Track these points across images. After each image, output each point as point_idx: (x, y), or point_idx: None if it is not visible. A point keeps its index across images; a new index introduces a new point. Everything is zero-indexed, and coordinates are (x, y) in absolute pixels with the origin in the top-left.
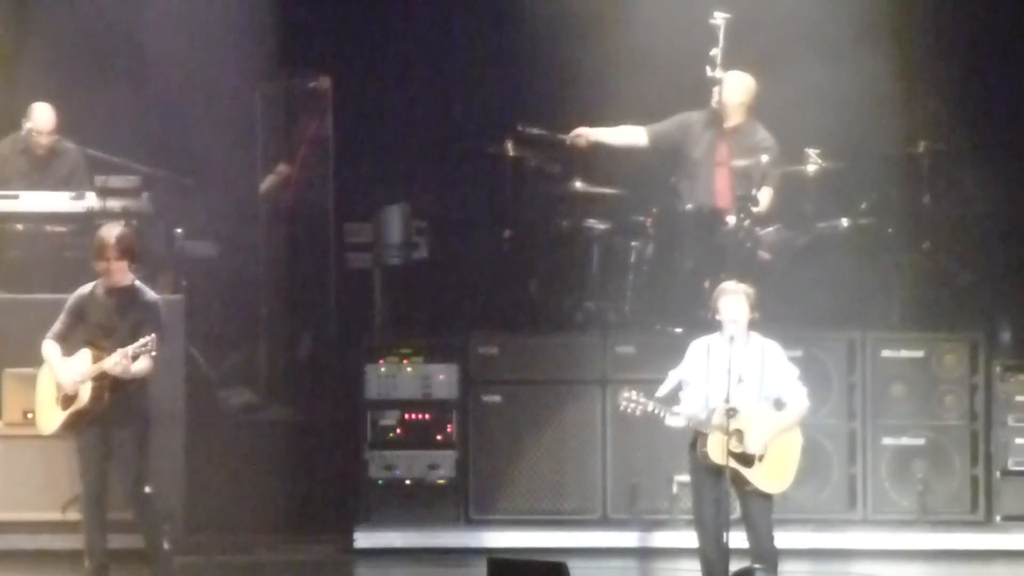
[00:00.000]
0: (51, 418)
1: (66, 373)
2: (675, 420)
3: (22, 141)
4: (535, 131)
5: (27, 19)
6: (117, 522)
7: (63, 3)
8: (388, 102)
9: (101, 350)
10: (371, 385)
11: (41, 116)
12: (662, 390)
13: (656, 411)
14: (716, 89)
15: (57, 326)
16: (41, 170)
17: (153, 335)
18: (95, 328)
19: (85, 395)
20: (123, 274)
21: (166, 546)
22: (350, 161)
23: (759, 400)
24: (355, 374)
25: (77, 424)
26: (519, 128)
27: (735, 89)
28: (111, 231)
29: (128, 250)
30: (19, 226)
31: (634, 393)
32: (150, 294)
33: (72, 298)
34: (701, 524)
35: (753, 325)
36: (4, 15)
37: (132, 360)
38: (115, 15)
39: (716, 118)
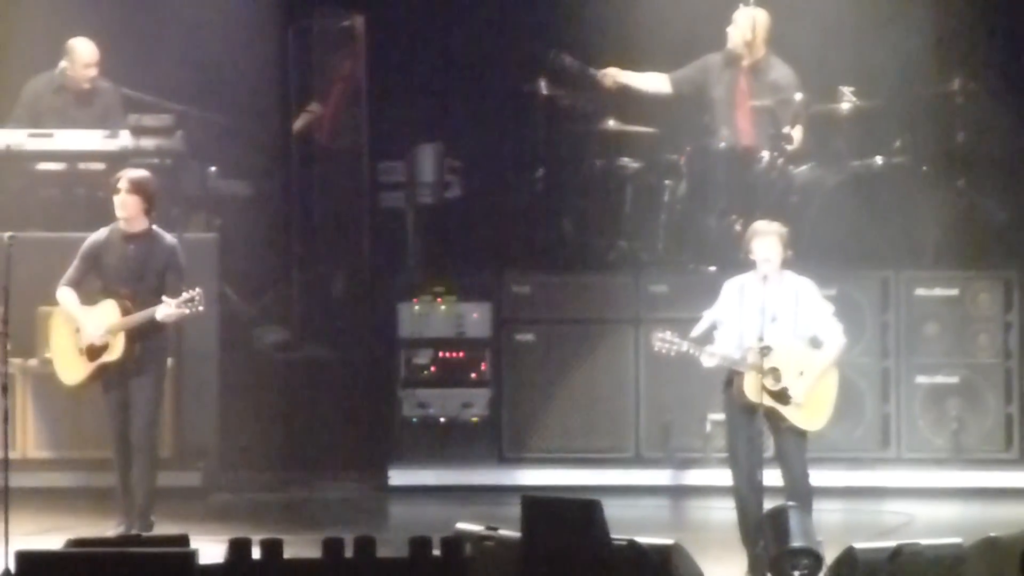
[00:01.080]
0: (75, 369)
1: (91, 323)
2: (709, 360)
3: (57, 79)
4: (567, 59)
5: None
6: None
7: None
8: (421, 41)
9: (124, 299)
10: (404, 324)
11: (84, 49)
12: (696, 330)
13: (690, 351)
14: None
15: (71, 272)
16: (77, 108)
17: (199, 289)
18: (115, 276)
19: (118, 347)
20: (139, 218)
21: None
22: (383, 100)
23: (794, 338)
24: (388, 313)
25: (104, 375)
26: (552, 54)
27: (741, 27)
28: (130, 169)
29: (142, 188)
30: (53, 165)
31: (668, 334)
32: (169, 238)
33: (86, 243)
34: (735, 462)
35: (787, 264)
36: None
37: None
38: None
39: (734, 57)
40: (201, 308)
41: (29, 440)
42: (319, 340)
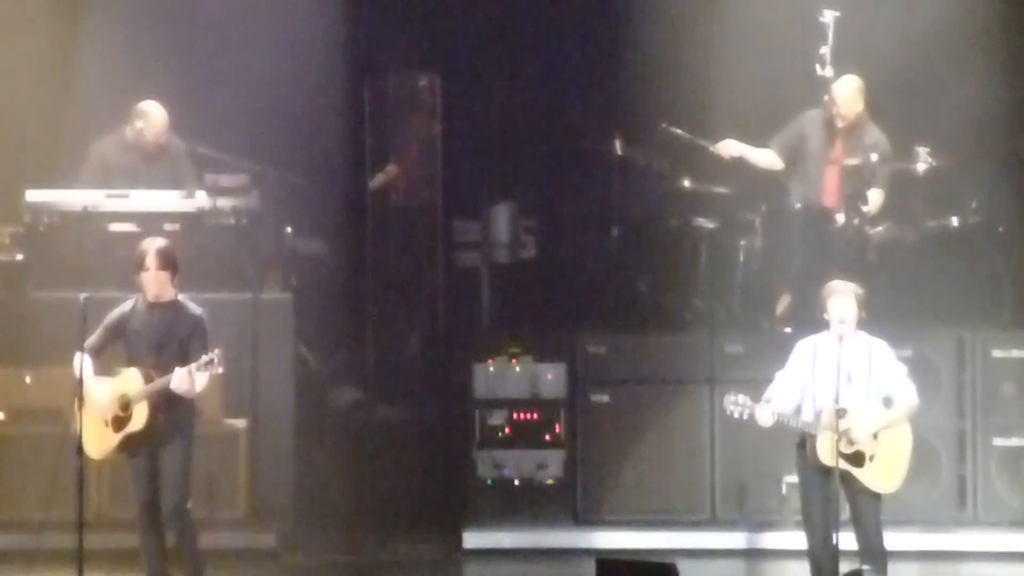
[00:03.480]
0: (103, 441)
1: (103, 394)
2: (763, 416)
3: (127, 138)
4: (679, 132)
5: (135, 16)
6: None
7: (172, 1)
8: (496, 100)
9: (149, 368)
10: (479, 384)
11: (155, 114)
12: (769, 392)
13: (758, 413)
14: (830, 89)
15: (92, 339)
16: (146, 167)
17: (217, 351)
18: (139, 344)
19: (141, 417)
20: (166, 288)
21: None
22: (458, 159)
23: (867, 399)
24: (463, 373)
25: (130, 446)
26: (663, 127)
27: (849, 95)
28: (153, 242)
29: (170, 261)
30: (130, 225)
31: (740, 397)
32: (195, 308)
33: (113, 314)
34: (810, 524)
35: (862, 324)
36: (112, 13)
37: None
38: (224, 12)
39: (830, 117)
40: (220, 370)
41: (104, 500)
42: (394, 400)
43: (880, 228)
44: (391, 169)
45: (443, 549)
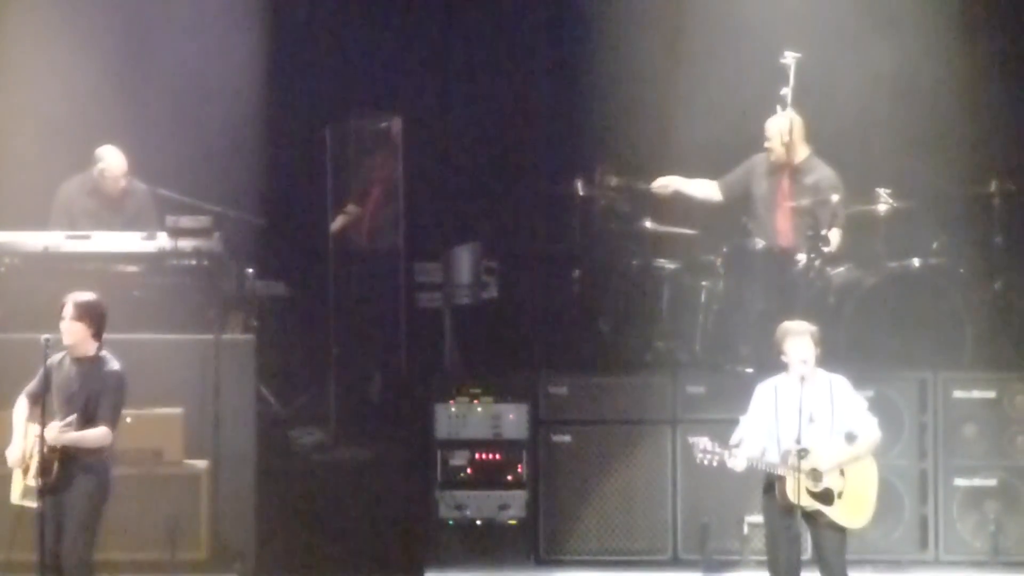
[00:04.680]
0: (16, 485)
1: (15, 442)
2: (738, 463)
3: (91, 181)
4: (615, 180)
5: (96, 59)
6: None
7: (131, 44)
8: (458, 142)
9: (57, 419)
10: (441, 424)
11: (113, 159)
12: (735, 437)
13: (728, 458)
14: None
15: (31, 385)
16: (110, 210)
17: (74, 415)
18: (57, 397)
19: (32, 468)
20: (83, 340)
21: None
22: (420, 201)
23: (831, 435)
24: (425, 413)
25: (32, 494)
26: (599, 171)
27: (775, 130)
28: (76, 294)
29: (87, 313)
30: (90, 266)
31: (708, 443)
32: (114, 364)
33: (48, 361)
34: (775, 565)
35: (819, 361)
36: (72, 55)
37: (64, 431)
38: (184, 54)
39: (776, 161)
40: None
41: None
42: (356, 441)
43: (841, 269)
44: (351, 210)
45: None
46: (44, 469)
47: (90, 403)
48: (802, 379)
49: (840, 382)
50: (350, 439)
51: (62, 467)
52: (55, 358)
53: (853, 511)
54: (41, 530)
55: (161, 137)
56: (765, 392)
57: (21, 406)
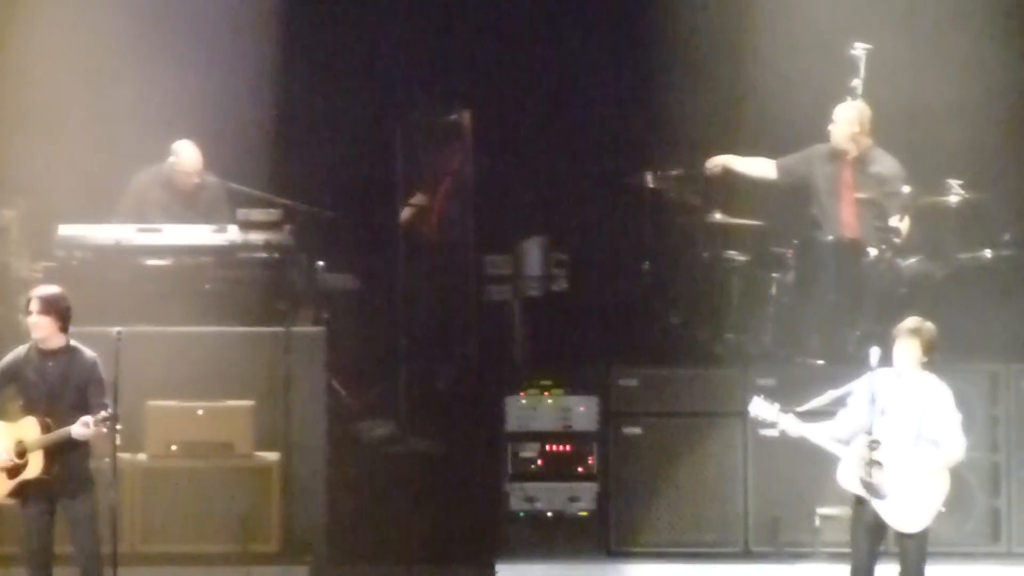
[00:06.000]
0: None
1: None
2: (789, 426)
3: (165, 175)
4: (673, 172)
5: (170, 53)
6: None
7: (204, 38)
8: (527, 134)
9: (43, 416)
10: (511, 417)
11: (187, 155)
12: (817, 402)
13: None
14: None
15: None
16: (183, 204)
17: (110, 410)
18: (35, 393)
19: (36, 465)
20: (51, 334)
21: None
22: (490, 193)
23: (918, 441)
24: (495, 406)
25: (24, 493)
26: (655, 175)
27: (842, 121)
28: (41, 288)
29: (52, 307)
30: (161, 259)
31: (762, 404)
32: (89, 353)
33: (5, 360)
34: (853, 555)
35: (928, 366)
36: (146, 54)
37: (100, 425)
38: (255, 49)
39: (839, 150)
40: (119, 428)
41: (137, 534)
42: (425, 434)
43: (912, 261)
44: (422, 203)
45: None
46: (48, 468)
47: (79, 393)
48: (899, 376)
49: (940, 391)
50: (420, 431)
51: (57, 464)
52: (18, 354)
53: (905, 513)
54: (38, 527)
55: (234, 131)
56: (867, 378)
57: None
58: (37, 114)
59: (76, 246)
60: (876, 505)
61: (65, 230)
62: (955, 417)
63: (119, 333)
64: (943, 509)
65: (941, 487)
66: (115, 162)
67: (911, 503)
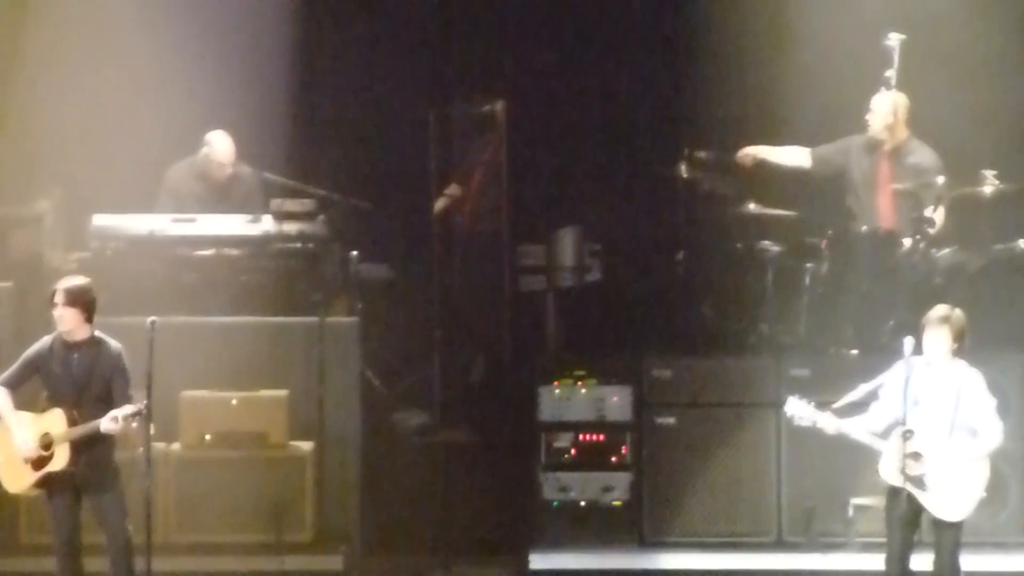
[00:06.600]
0: (20, 477)
1: (21, 434)
2: (827, 423)
3: (199, 166)
4: (703, 154)
5: (204, 43)
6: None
7: (240, 30)
8: (561, 125)
9: (70, 408)
10: (545, 407)
11: (221, 145)
12: (850, 397)
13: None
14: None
15: (8, 373)
16: (218, 194)
17: (145, 402)
18: (60, 385)
19: (62, 458)
20: (80, 327)
21: None
22: (523, 184)
23: (953, 429)
24: (529, 396)
25: (49, 484)
26: (686, 153)
27: (879, 111)
28: (66, 280)
29: (78, 299)
30: (195, 250)
31: (798, 404)
32: (114, 345)
33: (31, 351)
34: (888, 544)
35: (959, 353)
36: (180, 44)
37: (128, 419)
38: (289, 40)
39: (875, 141)
40: (152, 428)
41: (171, 524)
42: (459, 424)
43: (946, 251)
44: (456, 193)
45: (509, 571)
46: (74, 461)
47: (104, 385)
48: (929, 364)
49: (973, 378)
50: (454, 421)
51: (84, 456)
52: (44, 345)
53: (948, 503)
54: (64, 519)
55: (268, 121)
56: (899, 368)
57: (5, 399)
58: (72, 104)
59: (110, 236)
60: (919, 496)
61: (99, 220)
62: (990, 402)
63: (153, 323)
64: (984, 495)
65: (982, 475)
66: (150, 152)
67: (953, 492)
